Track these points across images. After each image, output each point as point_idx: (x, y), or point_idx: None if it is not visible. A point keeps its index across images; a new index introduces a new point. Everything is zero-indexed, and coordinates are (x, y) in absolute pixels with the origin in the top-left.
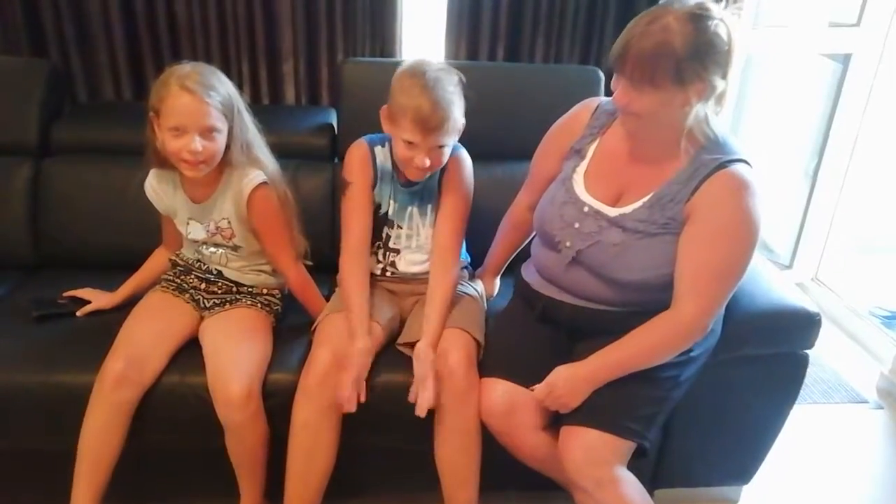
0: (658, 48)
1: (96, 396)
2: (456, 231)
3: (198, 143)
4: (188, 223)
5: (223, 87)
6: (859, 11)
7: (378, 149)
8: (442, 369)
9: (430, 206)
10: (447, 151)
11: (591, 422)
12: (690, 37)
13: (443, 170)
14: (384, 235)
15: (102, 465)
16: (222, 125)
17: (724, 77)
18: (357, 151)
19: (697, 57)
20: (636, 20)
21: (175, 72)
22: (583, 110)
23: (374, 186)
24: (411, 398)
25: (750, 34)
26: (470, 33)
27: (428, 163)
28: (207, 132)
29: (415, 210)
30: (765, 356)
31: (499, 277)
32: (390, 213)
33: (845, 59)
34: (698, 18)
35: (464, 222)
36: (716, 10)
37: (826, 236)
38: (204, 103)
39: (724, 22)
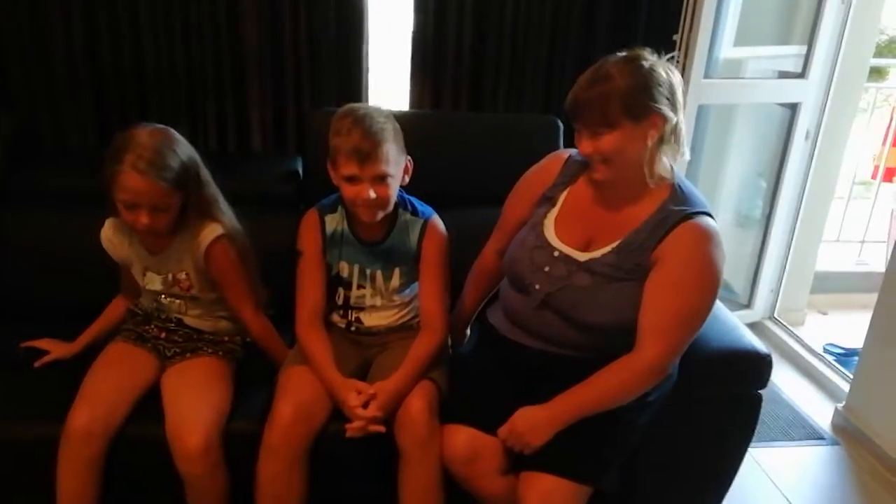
0: (603, 91)
1: (64, 452)
2: (441, 296)
3: (148, 218)
4: (145, 274)
5: (177, 159)
6: (804, 63)
7: (329, 216)
8: (403, 417)
9: (397, 270)
10: (392, 185)
11: (548, 467)
12: (629, 74)
13: (420, 240)
14: (342, 297)
15: None
16: (175, 199)
17: (673, 109)
18: (306, 221)
19: (641, 88)
20: (581, 77)
21: (130, 144)
22: (555, 160)
23: (324, 252)
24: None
25: (702, 84)
26: (434, 83)
27: (373, 194)
28: (158, 208)
29: (378, 272)
30: (719, 397)
31: (469, 327)
32: (345, 275)
33: (794, 107)
34: (633, 59)
35: (447, 285)
36: (648, 55)
37: (781, 276)
38: (155, 184)
39: (658, 63)
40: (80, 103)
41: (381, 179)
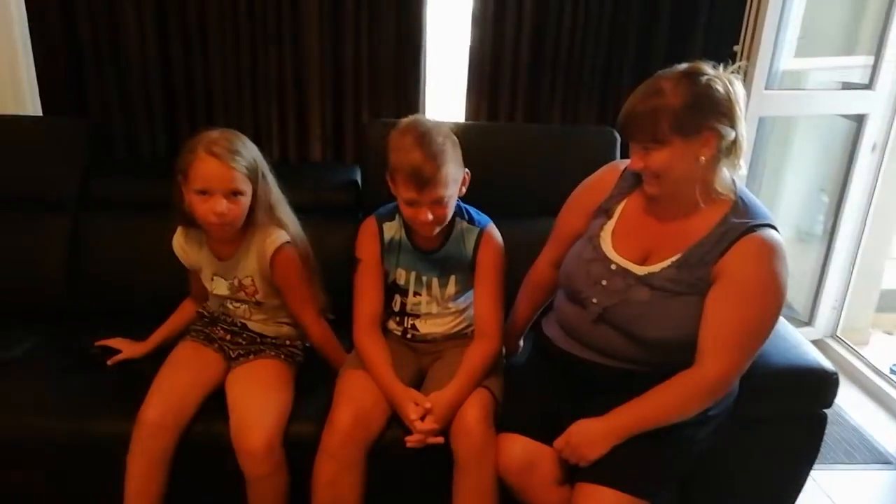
0: (654, 107)
1: (136, 445)
2: (496, 305)
3: (223, 206)
4: (213, 279)
5: (248, 153)
6: (871, 74)
7: (387, 224)
8: (459, 426)
9: (453, 277)
10: (450, 203)
11: (605, 480)
12: (684, 91)
13: (476, 249)
14: (398, 304)
15: None
16: (247, 188)
17: (731, 125)
18: (365, 228)
19: (695, 107)
20: (635, 91)
21: (203, 138)
22: (611, 171)
23: (382, 259)
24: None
25: (763, 95)
26: (490, 95)
27: (431, 217)
28: (232, 195)
29: (434, 280)
30: (782, 415)
31: (522, 338)
32: (402, 282)
33: (859, 119)
34: (690, 75)
35: (502, 294)
36: (708, 68)
37: (845, 293)
38: (229, 167)
39: (718, 78)
40: (150, 116)
41: (440, 201)
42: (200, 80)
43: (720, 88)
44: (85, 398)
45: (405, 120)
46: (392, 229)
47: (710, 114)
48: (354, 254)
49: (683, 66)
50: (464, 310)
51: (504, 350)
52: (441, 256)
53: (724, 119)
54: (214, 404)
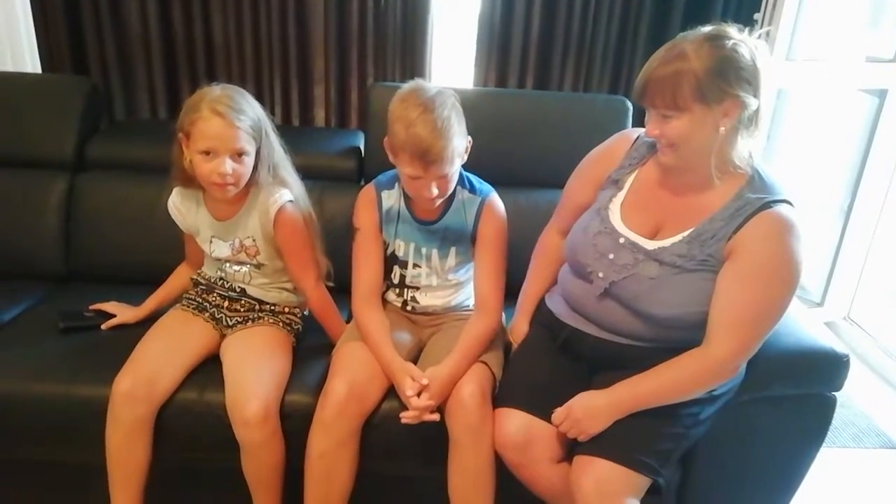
0: (675, 72)
1: (111, 413)
2: (497, 280)
3: (227, 166)
4: (211, 241)
5: (252, 110)
6: None
7: (385, 192)
8: (454, 402)
9: (453, 249)
10: (454, 176)
11: (605, 453)
12: (707, 55)
13: (477, 219)
14: (398, 276)
15: (133, 479)
16: (251, 147)
17: (755, 94)
18: (363, 197)
19: (718, 73)
20: (655, 54)
21: (206, 95)
22: (622, 140)
23: (381, 229)
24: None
25: (783, 67)
26: (499, 61)
27: (436, 191)
28: (237, 155)
29: (434, 251)
30: (790, 397)
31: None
32: (401, 253)
33: (881, 94)
34: (714, 38)
35: (504, 268)
36: (734, 32)
37: (859, 275)
38: (234, 127)
39: (743, 42)
40: (151, 76)
41: (445, 177)
42: (201, 43)
43: (746, 54)
44: (76, 362)
45: (406, 88)
46: (391, 198)
47: (734, 80)
48: (353, 223)
49: (707, 28)
50: (464, 282)
51: (510, 333)
52: (441, 227)
53: (748, 87)
54: (210, 371)
